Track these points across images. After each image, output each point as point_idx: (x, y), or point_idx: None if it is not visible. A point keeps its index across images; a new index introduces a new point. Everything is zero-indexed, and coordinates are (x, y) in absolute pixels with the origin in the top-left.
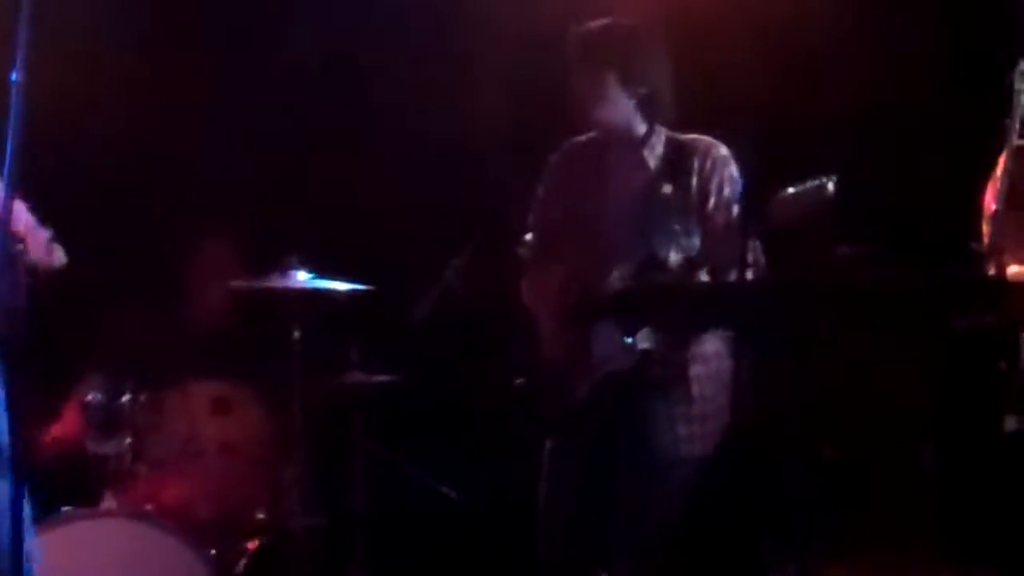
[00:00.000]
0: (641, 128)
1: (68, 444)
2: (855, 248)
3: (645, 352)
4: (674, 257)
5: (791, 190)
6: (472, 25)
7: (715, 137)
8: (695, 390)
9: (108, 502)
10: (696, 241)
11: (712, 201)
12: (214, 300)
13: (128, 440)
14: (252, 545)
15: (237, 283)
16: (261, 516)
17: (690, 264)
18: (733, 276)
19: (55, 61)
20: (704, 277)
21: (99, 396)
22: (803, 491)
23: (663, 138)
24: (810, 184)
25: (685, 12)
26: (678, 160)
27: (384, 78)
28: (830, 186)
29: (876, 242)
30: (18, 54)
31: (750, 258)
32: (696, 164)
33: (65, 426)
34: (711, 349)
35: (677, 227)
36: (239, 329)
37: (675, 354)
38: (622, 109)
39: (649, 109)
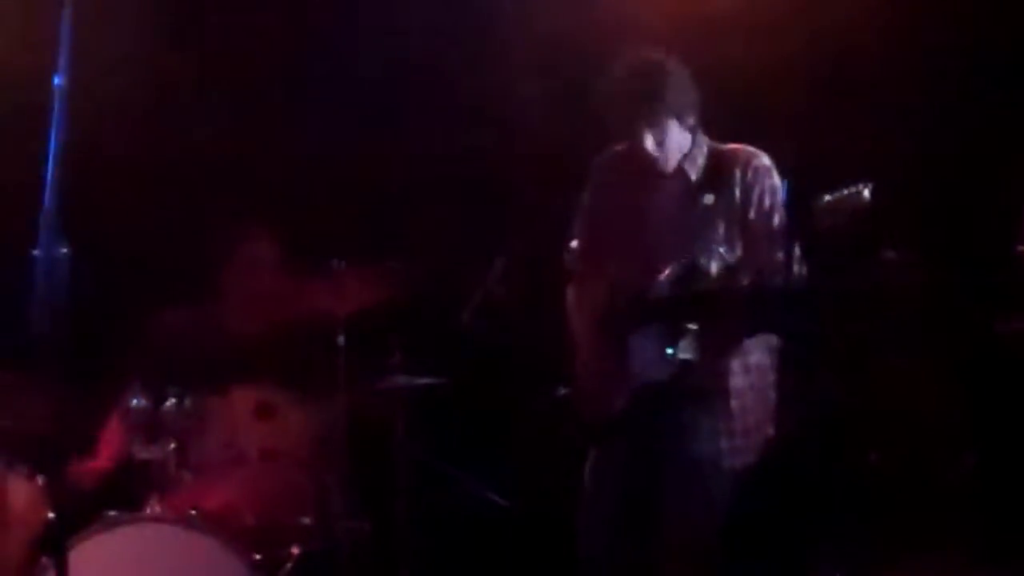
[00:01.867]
0: (688, 142)
1: (116, 451)
2: (899, 253)
3: (685, 363)
4: (715, 266)
5: (827, 197)
6: (511, 27)
7: (756, 145)
8: (737, 403)
9: (152, 507)
10: (737, 251)
11: (753, 211)
12: (253, 303)
13: (172, 446)
14: (296, 550)
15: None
16: (305, 521)
17: (730, 272)
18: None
19: (97, 64)
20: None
21: (143, 402)
22: (849, 498)
23: (704, 149)
24: (846, 191)
25: (723, 19)
26: (719, 170)
27: (429, 81)
28: (866, 193)
29: (919, 247)
30: (60, 58)
31: (782, 255)
32: (738, 174)
33: (112, 434)
34: (753, 361)
35: (718, 236)
36: (282, 334)
37: (718, 366)
38: (680, 142)
39: (686, 123)
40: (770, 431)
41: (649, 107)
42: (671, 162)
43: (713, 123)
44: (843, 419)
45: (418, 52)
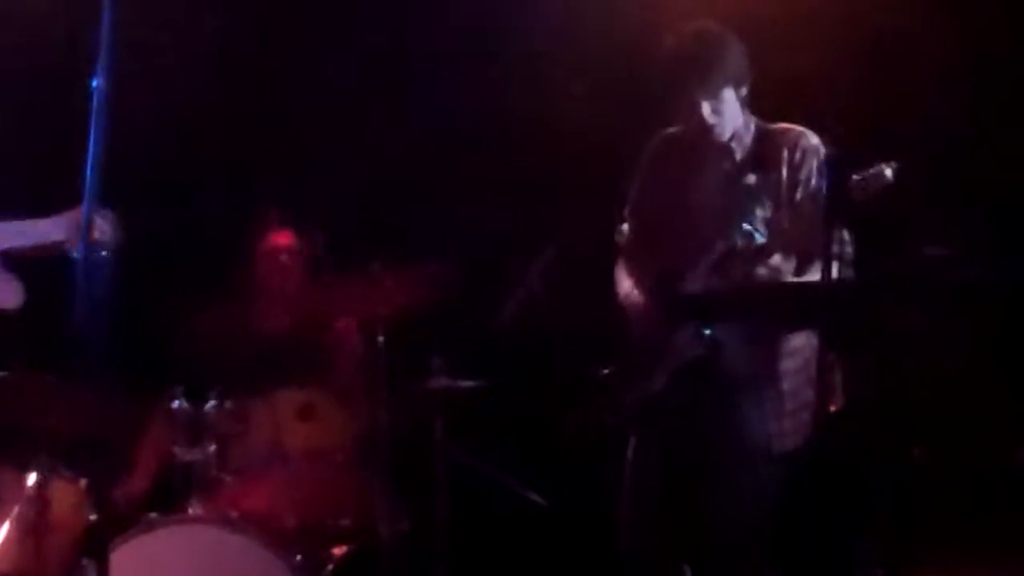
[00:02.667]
0: (743, 117)
1: (161, 454)
2: (944, 247)
3: (723, 342)
4: (759, 243)
5: (854, 177)
6: (556, 25)
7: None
8: (785, 385)
9: (193, 508)
10: (779, 231)
11: (800, 192)
12: (286, 302)
13: (213, 447)
14: (338, 551)
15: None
16: (346, 522)
17: (761, 250)
18: (818, 267)
19: (137, 65)
20: (786, 266)
21: (184, 404)
22: (892, 493)
23: (752, 128)
24: (871, 170)
25: (764, 6)
26: (766, 150)
27: (468, 80)
28: (888, 171)
29: (965, 241)
30: (99, 59)
31: (836, 249)
32: (785, 155)
33: (156, 436)
34: (799, 343)
35: (759, 216)
36: (322, 335)
37: (763, 349)
38: (736, 113)
39: (745, 101)
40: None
41: (706, 74)
42: (727, 131)
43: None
44: (887, 414)
45: (461, 50)
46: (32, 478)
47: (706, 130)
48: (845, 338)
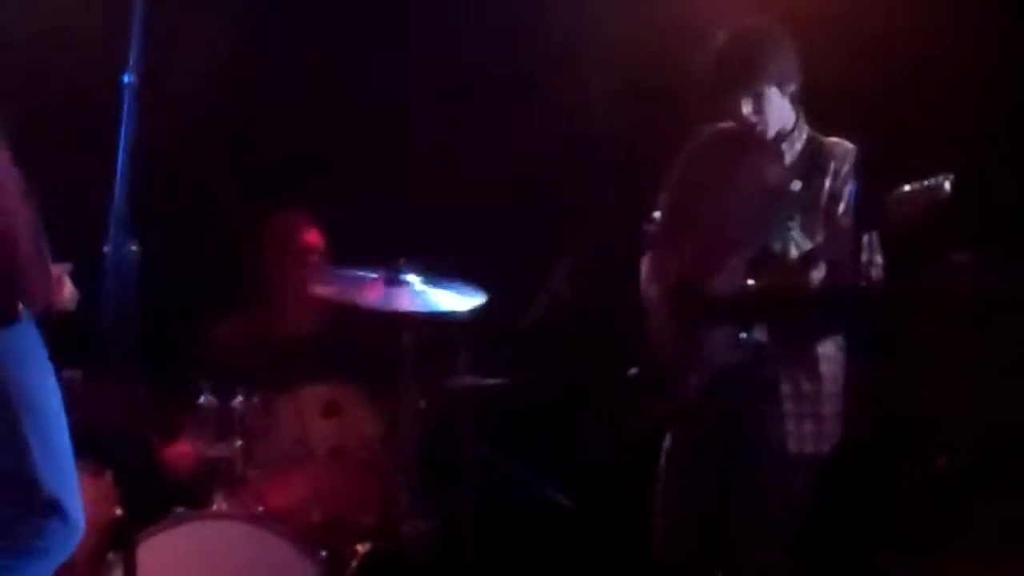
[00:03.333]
0: (790, 120)
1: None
2: (971, 255)
3: (760, 347)
4: (793, 252)
5: (907, 187)
6: (579, 22)
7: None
8: (810, 388)
9: (219, 504)
10: (814, 241)
11: (842, 206)
12: (306, 298)
13: (239, 443)
14: (363, 548)
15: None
16: (371, 519)
17: (806, 260)
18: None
19: (167, 63)
20: (819, 274)
21: (211, 399)
22: (917, 500)
23: (804, 135)
24: (927, 182)
25: (796, 16)
26: (814, 160)
27: (489, 78)
28: (947, 185)
29: (991, 249)
30: (130, 56)
31: (864, 256)
32: (832, 167)
33: (188, 435)
34: (830, 348)
35: (796, 224)
36: (348, 332)
37: (792, 351)
38: (783, 112)
39: (794, 102)
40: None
41: (747, 72)
42: (771, 130)
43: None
44: (912, 422)
45: (484, 51)
46: None
47: (749, 128)
48: (871, 344)
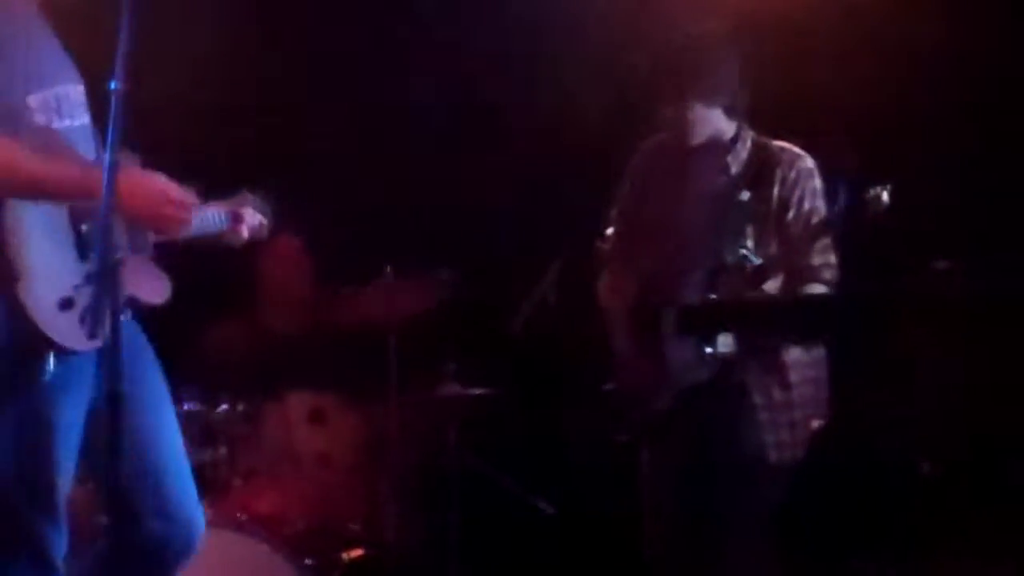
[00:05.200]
0: (729, 130)
1: None
2: (953, 261)
3: (726, 361)
4: (748, 263)
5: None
6: (565, 28)
7: (818, 141)
8: (781, 396)
9: (204, 511)
10: (767, 250)
11: (792, 212)
12: (291, 306)
13: (224, 450)
14: (347, 556)
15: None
16: (356, 527)
17: (759, 272)
18: (806, 286)
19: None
20: (774, 285)
21: (196, 406)
22: (901, 506)
23: (748, 144)
24: (867, 194)
25: (783, 16)
26: (761, 168)
27: (481, 85)
28: (884, 196)
29: (976, 255)
30: (117, 62)
31: (818, 260)
32: (779, 174)
33: None
34: (798, 354)
35: (749, 234)
36: (335, 339)
37: (760, 362)
38: (711, 122)
39: (732, 111)
40: (817, 427)
41: (671, 82)
42: (695, 138)
43: (774, 121)
44: (895, 427)
45: (472, 60)
46: None
47: (688, 137)
48: (854, 352)
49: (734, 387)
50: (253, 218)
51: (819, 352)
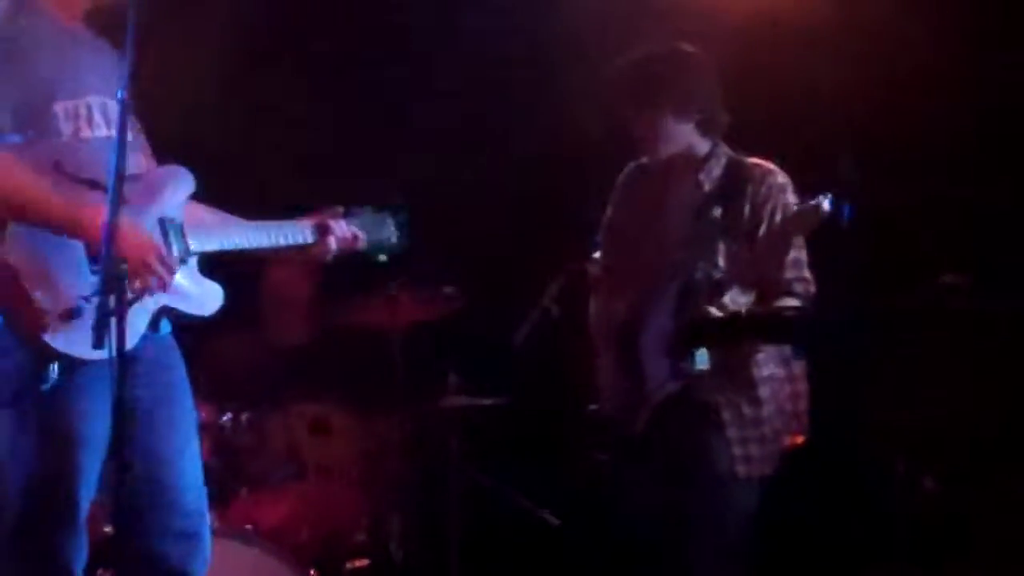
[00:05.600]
0: (703, 148)
1: None
2: (959, 276)
3: (698, 375)
4: (717, 279)
5: (794, 208)
6: (568, 48)
7: (817, 151)
8: (751, 412)
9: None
10: (740, 266)
11: (764, 228)
12: (292, 317)
13: (229, 460)
14: (351, 566)
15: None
16: (361, 538)
17: (717, 285)
18: (780, 300)
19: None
20: (737, 299)
21: (200, 416)
22: (903, 520)
23: (723, 160)
24: (809, 203)
25: (786, 27)
26: (733, 184)
27: (482, 98)
28: (825, 204)
29: (984, 270)
30: (123, 72)
31: (791, 274)
32: (751, 190)
33: None
34: (767, 373)
35: (721, 250)
36: (339, 350)
37: (740, 374)
38: (683, 137)
39: (707, 128)
40: (790, 442)
41: (636, 95)
42: (664, 152)
43: (773, 137)
44: (898, 443)
45: (475, 74)
46: None
47: (657, 152)
48: (858, 364)
49: (704, 403)
50: (342, 230)
51: (798, 367)
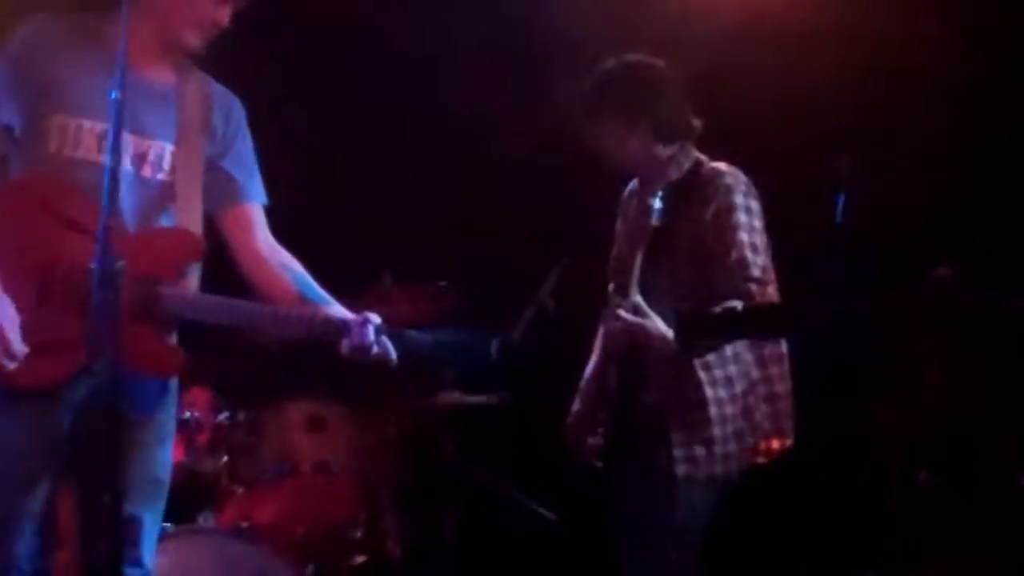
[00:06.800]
0: (664, 154)
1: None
2: (955, 271)
3: (641, 377)
4: (668, 289)
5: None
6: (565, 45)
7: (812, 156)
8: (715, 411)
9: (204, 519)
10: (698, 270)
11: (711, 233)
12: None
13: (224, 458)
14: (349, 563)
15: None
16: (356, 534)
17: (670, 297)
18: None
19: None
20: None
21: (196, 414)
22: (899, 517)
23: (684, 167)
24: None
25: (781, 33)
26: (691, 190)
27: (484, 97)
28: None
29: (975, 264)
30: (117, 72)
31: (756, 273)
32: (707, 194)
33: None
34: (732, 371)
35: (680, 256)
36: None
37: (686, 376)
38: (641, 147)
39: (666, 135)
40: (767, 444)
41: (595, 110)
42: (621, 163)
43: (769, 129)
44: (894, 437)
45: (470, 69)
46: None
47: (618, 162)
48: (855, 361)
49: (650, 404)
50: (363, 337)
51: (777, 368)
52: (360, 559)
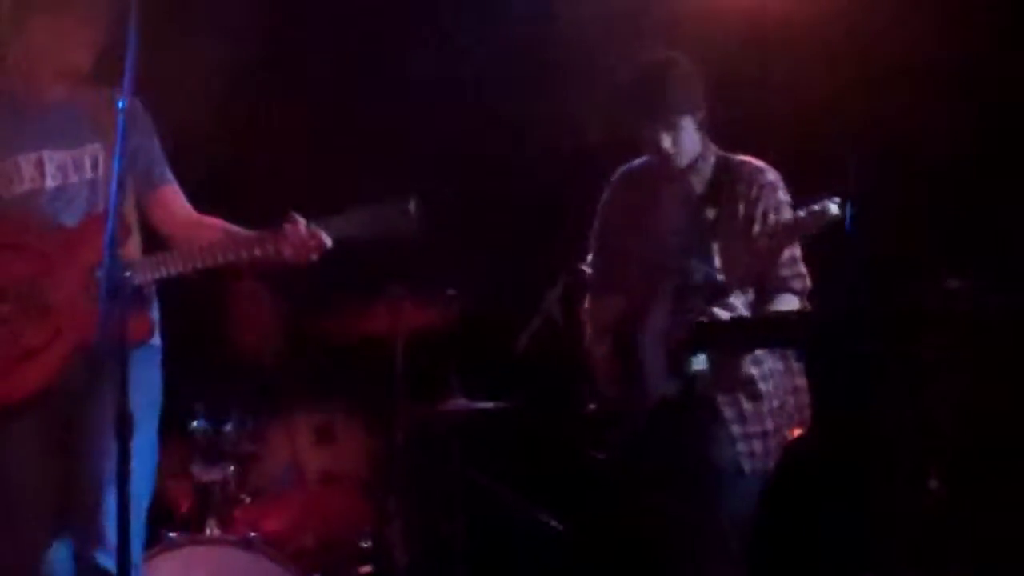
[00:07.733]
0: (699, 147)
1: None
2: (965, 280)
3: (697, 374)
4: (714, 280)
5: (798, 212)
6: (568, 53)
7: (824, 155)
8: (751, 408)
9: (212, 529)
10: (735, 266)
11: (757, 227)
12: (259, 330)
13: (232, 468)
14: (356, 572)
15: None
16: (363, 544)
17: (719, 289)
18: (777, 300)
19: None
20: (747, 299)
21: (204, 424)
22: (909, 521)
23: (712, 159)
24: (815, 206)
25: (793, 29)
26: (725, 183)
27: (485, 108)
28: (833, 208)
29: (986, 272)
30: (125, 82)
31: (787, 271)
32: (742, 189)
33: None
34: (768, 368)
35: (715, 251)
36: (340, 357)
37: (731, 376)
38: (694, 141)
39: (703, 127)
40: (788, 436)
41: (657, 104)
42: (684, 159)
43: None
44: (903, 443)
45: (475, 80)
46: None
47: (666, 160)
48: (865, 366)
49: (704, 401)
50: (297, 234)
51: (797, 362)
52: (367, 568)
